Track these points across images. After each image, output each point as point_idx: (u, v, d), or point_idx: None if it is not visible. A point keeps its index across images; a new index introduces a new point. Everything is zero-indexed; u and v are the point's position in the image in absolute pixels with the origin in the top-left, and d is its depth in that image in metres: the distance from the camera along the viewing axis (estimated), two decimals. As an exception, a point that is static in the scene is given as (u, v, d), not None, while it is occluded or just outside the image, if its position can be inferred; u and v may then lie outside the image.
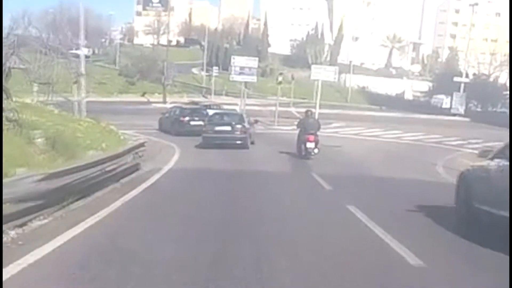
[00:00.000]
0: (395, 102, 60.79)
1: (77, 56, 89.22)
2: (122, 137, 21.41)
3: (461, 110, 50.99)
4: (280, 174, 15.18)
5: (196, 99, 44.90)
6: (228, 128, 22.34)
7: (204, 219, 8.54)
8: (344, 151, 23.19)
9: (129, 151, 13.83)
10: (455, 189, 9.33)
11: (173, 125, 27.72)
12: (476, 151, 12.77)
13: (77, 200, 9.51)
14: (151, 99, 54.64)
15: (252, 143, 23.48)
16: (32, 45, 18.92)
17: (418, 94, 69.75)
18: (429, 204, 10.18)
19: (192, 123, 27.33)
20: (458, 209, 9.06)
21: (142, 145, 14.99)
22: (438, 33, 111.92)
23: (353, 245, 7.17)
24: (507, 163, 7.51)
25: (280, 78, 35.04)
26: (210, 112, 37.56)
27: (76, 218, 7.95)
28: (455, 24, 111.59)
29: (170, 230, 7.68)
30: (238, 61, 36.54)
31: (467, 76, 57.03)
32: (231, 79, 38.44)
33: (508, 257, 6.16)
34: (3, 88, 13.45)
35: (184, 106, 31.37)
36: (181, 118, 27.53)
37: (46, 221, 7.84)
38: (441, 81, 64.69)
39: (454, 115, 49.08)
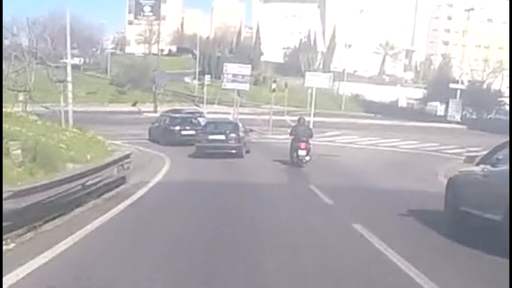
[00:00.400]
0: (390, 110, 59.94)
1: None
2: (109, 148, 20.40)
3: (458, 117, 50.24)
4: (276, 187, 14.25)
5: (178, 107, 43.74)
6: (222, 137, 21.88)
7: (192, 243, 7.57)
8: (341, 160, 22.31)
9: (113, 163, 12.86)
10: (445, 194, 9.84)
11: (163, 134, 26.73)
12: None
13: (53, 219, 8.58)
14: (143, 108, 53.65)
15: (247, 152, 22.84)
16: (8, 51, 18.02)
17: (412, 101, 69.02)
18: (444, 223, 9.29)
19: (183, 132, 26.40)
20: (446, 213, 9.60)
21: (127, 156, 14.02)
22: (431, 40, 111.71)
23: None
24: (492, 168, 8.03)
25: (274, 86, 34.15)
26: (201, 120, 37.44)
27: (45, 243, 6.98)
28: (447, 31, 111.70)
29: (152, 258, 6.70)
30: (230, 68, 35.61)
31: (462, 83, 56.42)
32: (223, 86, 37.51)
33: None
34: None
35: (173, 114, 30.25)
36: (172, 128, 26.56)
37: (11, 246, 6.88)
38: (435, 88, 64.03)
39: (451, 122, 48.33)
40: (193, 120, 27.77)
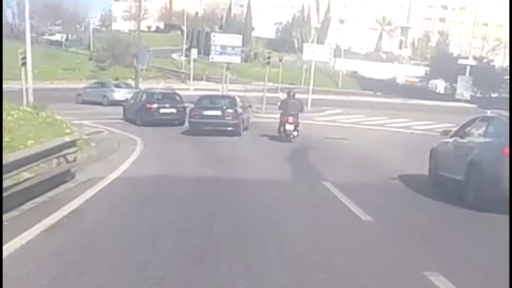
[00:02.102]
0: (390, 87, 56.21)
1: (50, 41, 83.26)
2: (67, 131, 16.54)
3: (467, 96, 46.37)
4: (280, 186, 10.26)
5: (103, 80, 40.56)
6: (218, 112, 19.71)
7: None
8: (352, 144, 18.44)
9: (47, 153, 8.96)
10: (428, 163, 11.29)
11: (139, 113, 22.63)
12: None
13: None
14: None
15: (245, 129, 20.89)
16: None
17: (413, 79, 65.48)
18: None
19: (162, 110, 22.35)
20: (430, 177, 11.15)
21: (72, 144, 10.10)
22: (427, 17, 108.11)
23: None
24: (460, 140, 10.11)
25: (268, 59, 29.92)
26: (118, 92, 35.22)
27: None
28: (445, 7, 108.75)
29: None
30: (219, 39, 31.42)
31: (467, 58, 52.69)
32: (211, 59, 33.39)
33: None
34: None
35: (153, 90, 26.16)
36: (148, 105, 22.42)
37: None
38: (437, 65, 60.47)
39: (459, 100, 44.45)
40: (175, 97, 23.72)
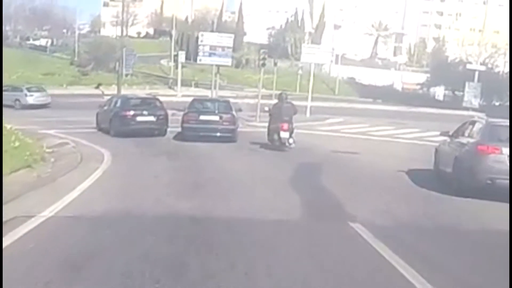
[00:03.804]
0: (388, 94, 53.27)
1: (35, 46, 79.69)
2: (17, 143, 13.32)
3: (475, 103, 43.31)
4: (289, 234, 6.89)
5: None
6: (216, 117, 18.38)
7: None
8: (366, 161, 15.16)
9: None
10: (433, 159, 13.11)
11: (112, 122, 19.26)
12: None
13: None
14: (107, 91, 45.97)
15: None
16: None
17: (412, 86, 62.75)
18: None
19: (139, 118, 18.97)
20: (433, 171, 12.92)
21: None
22: (422, 23, 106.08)
23: None
24: (454, 139, 12.01)
25: (263, 59, 26.52)
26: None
27: None
28: (440, 13, 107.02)
29: None
30: (207, 38, 28.16)
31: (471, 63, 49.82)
32: (198, 61, 30.09)
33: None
34: None
35: (129, 95, 22.82)
36: (123, 112, 19.02)
37: None
38: (437, 71, 57.76)
39: (467, 109, 41.35)
40: (155, 103, 20.39)
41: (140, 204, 8.35)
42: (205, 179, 10.87)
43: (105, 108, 20.74)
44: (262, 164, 13.91)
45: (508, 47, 57.85)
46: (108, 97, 26.64)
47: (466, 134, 11.45)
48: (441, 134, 13.12)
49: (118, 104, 19.89)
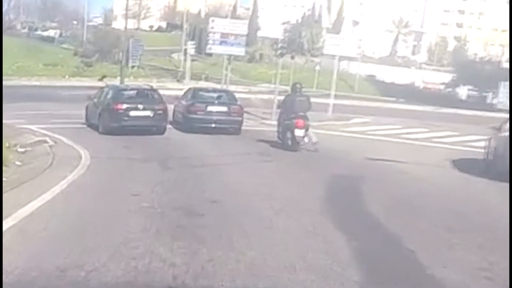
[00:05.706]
0: (411, 94, 50.02)
1: (42, 37, 77.17)
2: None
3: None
4: None
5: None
6: (224, 108, 17.75)
7: None
8: (415, 173, 11.80)
9: None
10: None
11: (101, 116, 16.04)
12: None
13: None
14: (111, 84, 43.11)
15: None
16: None
17: (435, 85, 59.57)
18: None
19: (132, 113, 15.74)
20: (485, 161, 13.40)
21: None
22: (443, 21, 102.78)
23: None
24: (498, 133, 13.09)
25: (282, 48, 23.19)
26: None
27: None
28: (462, 12, 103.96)
29: None
30: (218, 25, 24.87)
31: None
32: (208, 50, 26.86)
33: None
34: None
35: (122, 86, 19.66)
36: (114, 106, 15.80)
37: None
38: (462, 71, 54.45)
39: (501, 110, 37.80)
40: (153, 95, 17.15)
41: (96, 250, 5.11)
42: (203, 204, 7.58)
43: (95, 100, 17.55)
44: (283, 177, 10.65)
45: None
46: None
47: (503, 129, 12.78)
48: (493, 128, 14.30)
49: (109, 96, 16.66)
